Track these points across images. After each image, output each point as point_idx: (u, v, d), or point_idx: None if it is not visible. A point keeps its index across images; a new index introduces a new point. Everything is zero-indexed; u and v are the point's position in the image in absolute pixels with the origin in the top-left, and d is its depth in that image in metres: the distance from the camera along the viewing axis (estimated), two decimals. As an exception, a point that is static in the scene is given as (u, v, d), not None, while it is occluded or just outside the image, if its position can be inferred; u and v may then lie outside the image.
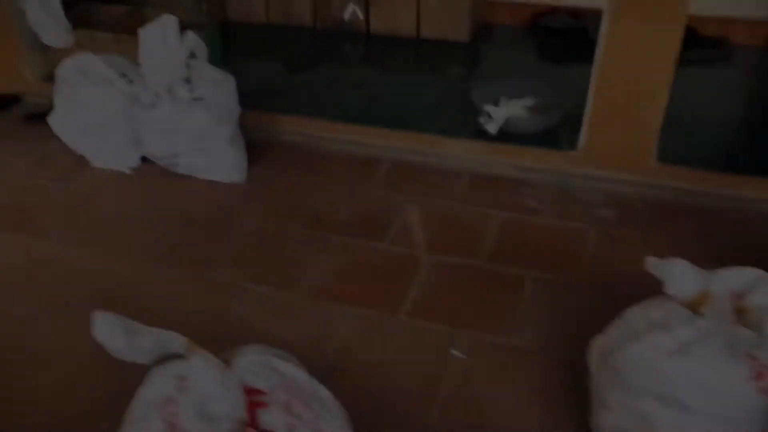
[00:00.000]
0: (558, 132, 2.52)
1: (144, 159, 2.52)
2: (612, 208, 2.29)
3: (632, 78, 2.19)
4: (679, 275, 1.16)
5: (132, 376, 1.14)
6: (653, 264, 1.19)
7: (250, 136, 2.60)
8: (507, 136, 2.53)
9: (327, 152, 2.65)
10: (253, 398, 1.00)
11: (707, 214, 2.23)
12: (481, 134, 2.53)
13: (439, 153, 2.56)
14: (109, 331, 0.97)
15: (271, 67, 3.33)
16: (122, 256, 2.08)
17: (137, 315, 1.12)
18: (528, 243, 2.12)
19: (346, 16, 3.61)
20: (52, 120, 2.50)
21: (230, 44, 3.60)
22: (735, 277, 1.31)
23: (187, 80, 2.35)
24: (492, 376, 1.64)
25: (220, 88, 2.40)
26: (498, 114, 2.46)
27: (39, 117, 2.63)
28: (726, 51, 3.32)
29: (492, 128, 2.47)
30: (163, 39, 2.22)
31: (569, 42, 3.35)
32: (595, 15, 2.23)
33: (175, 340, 1.07)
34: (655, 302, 1.31)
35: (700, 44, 3.30)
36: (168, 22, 2.22)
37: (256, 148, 2.60)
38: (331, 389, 1.21)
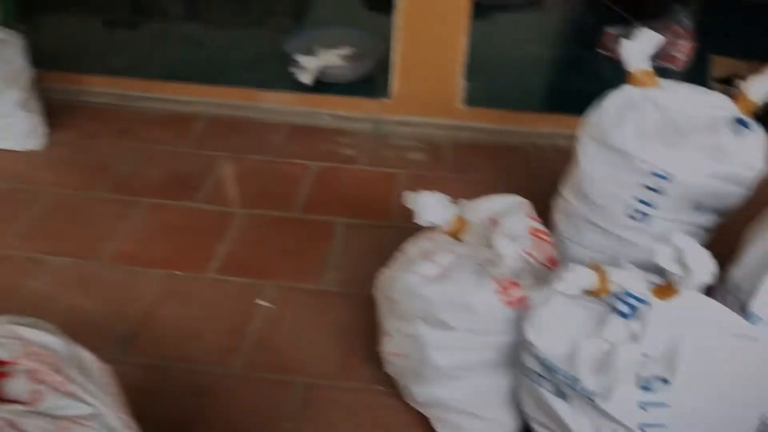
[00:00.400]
0: (373, 80, 2.55)
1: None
2: (423, 152, 2.38)
3: (430, 26, 2.27)
4: (430, 206, 1.22)
5: None
6: (408, 198, 1.25)
7: (52, 99, 2.42)
8: (324, 86, 2.53)
9: (140, 112, 2.52)
10: (-5, 370, 0.96)
11: (510, 151, 2.38)
12: (299, 86, 2.52)
13: (256, 107, 2.53)
14: None
15: (86, 23, 3.10)
16: None
17: None
18: (342, 191, 2.17)
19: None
20: None
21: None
22: (494, 204, 1.41)
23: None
24: (298, 321, 1.68)
25: (4, 48, 2.20)
26: (310, 64, 2.45)
27: None
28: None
29: (306, 78, 2.47)
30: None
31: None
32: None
33: None
34: (426, 234, 1.39)
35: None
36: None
37: (60, 112, 2.43)
38: (133, 353, 1.17)
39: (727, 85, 2.53)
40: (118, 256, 1.87)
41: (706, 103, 1.54)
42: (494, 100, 2.49)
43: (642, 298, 1.10)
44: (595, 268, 1.11)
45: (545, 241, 1.40)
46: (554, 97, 2.67)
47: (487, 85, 2.58)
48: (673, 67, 2.76)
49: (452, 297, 1.24)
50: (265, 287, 1.77)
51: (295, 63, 2.48)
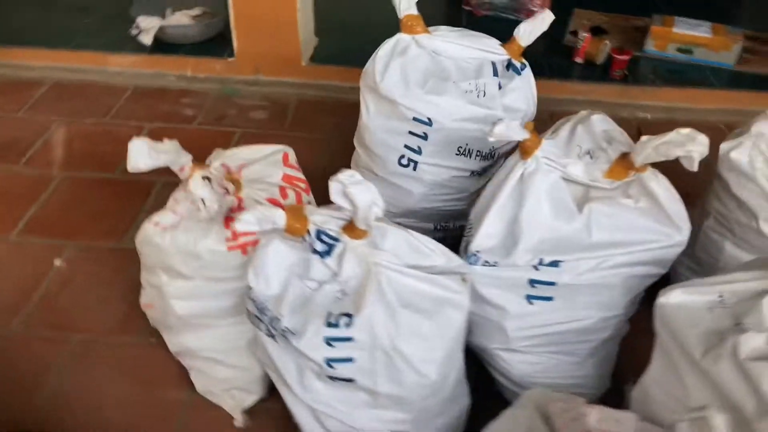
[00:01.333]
0: (222, 40, 2.52)
1: None
2: (267, 111, 2.37)
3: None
4: (140, 152, 1.20)
5: None
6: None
7: None
8: (170, 47, 2.50)
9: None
10: None
11: (348, 107, 2.37)
12: (146, 48, 2.48)
13: (103, 70, 2.49)
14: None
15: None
16: None
17: None
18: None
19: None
20: None
21: None
22: (254, 153, 1.42)
23: None
24: (91, 280, 1.68)
25: None
26: (148, 24, 2.41)
27: None
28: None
29: (145, 40, 2.43)
30: None
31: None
32: None
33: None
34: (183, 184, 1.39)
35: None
36: None
37: None
38: None
39: (575, 36, 2.55)
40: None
41: (478, 48, 1.55)
42: (343, 58, 2.46)
43: (335, 236, 1.11)
44: (292, 208, 1.12)
45: (299, 189, 1.41)
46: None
47: (337, 42, 2.56)
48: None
49: (182, 245, 1.25)
50: (67, 248, 1.76)
51: (135, 24, 2.44)
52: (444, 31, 1.58)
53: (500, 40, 1.57)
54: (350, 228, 1.10)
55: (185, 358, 1.40)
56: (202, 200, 1.15)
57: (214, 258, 1.26)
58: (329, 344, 1.08)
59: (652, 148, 1.12)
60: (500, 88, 1.53)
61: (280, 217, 1.10)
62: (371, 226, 1.08)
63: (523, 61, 1.58)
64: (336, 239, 1.12)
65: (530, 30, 1.53)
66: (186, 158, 1.27)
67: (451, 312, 1.14)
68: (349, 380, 1.11)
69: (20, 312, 1.59)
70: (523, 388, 1.35)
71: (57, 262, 1.72)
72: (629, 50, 2.39)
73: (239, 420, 1.37)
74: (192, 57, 2.48)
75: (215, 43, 2.53)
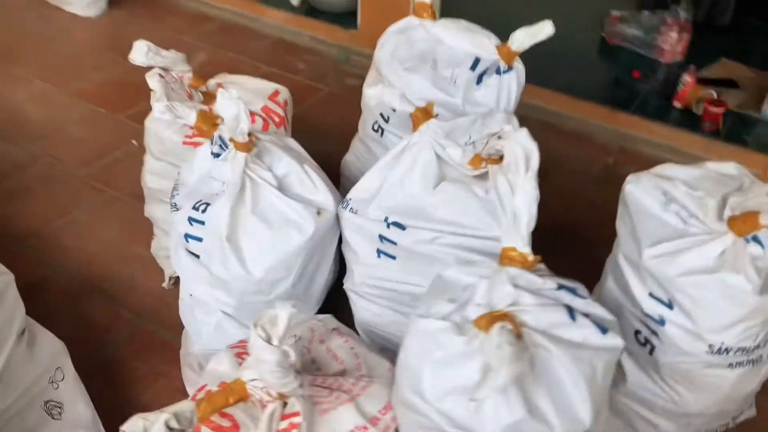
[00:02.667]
0: (353, 12, 2.85)
1: None
2: (360, 79, 2.65)
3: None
4: (137, 50, 1.56)
5: None
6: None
7: None
8: (315, 12, 2.91)
9: (179, 8, 3.14)
10: None
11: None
12: (293, 8, 2.92)
13: (258, 19, 2.99)
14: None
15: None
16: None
17: None
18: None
19: None
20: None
21: None
22: (255, 84, 1.73)
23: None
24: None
25: None
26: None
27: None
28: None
29: (294, 1, 2.87)
30: None
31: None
32: None
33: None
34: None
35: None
36: None
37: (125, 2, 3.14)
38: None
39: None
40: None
41: (472, 43, 1.66)
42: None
43: (226, 143, 1.37)
44: (205, 114, 1.40)
45: (272, 120, 1.68)
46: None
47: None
48: (659, 59, 2.66)
49: (155, 131, 1.61)
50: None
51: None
52: (449, 21, 1.71)
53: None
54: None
55: (152, 223, 1.76)
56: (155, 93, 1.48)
57: (173, 147, 1.59)
58: (190, 222, 1.36)
59: (492, 144, 1.19)
60: (478, 82, 1.63)
61: (191, 117, 1.39)
62: (244, 139, 1.32)
63: (513, 65, 1.65)
64: (226, 146, 1.37)
65: (524, 38, 1.60)
66: (186, 68, 1.63)
67: (293, 232, 1.34)
68: (197, 256, 1.37)
69: (89, 165, 2.11)
70: (365, 334, 1.49)
71: (134, 142, 2.20)
72: (725, 103, 2.21)
73: (166, 283, 1.70)
74: (327, 23, 2.85)
75: (351, 15, 2.87)
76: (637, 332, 1.26)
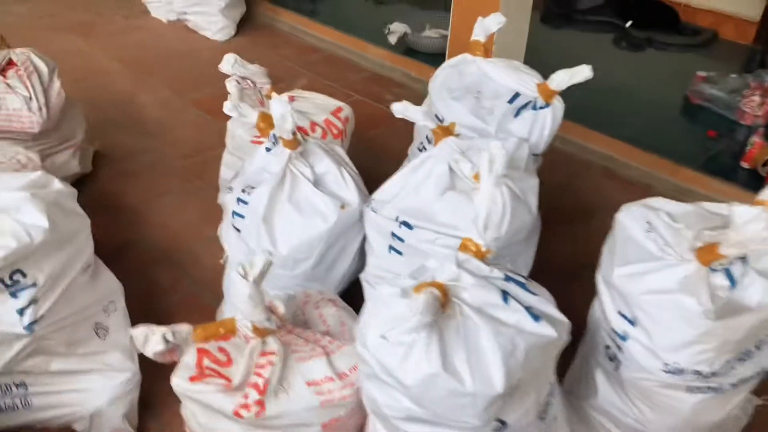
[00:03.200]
0: (443, 54, 3.09)
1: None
2: (441, 114, 2.87)
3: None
4: (225, 61, 1.87)
5: None
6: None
7: (254, 18, 3.61)
8: (411, 51, 3.18)
9: (294, 40, 3.54)
10: None
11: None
12: (393, 48, 3.21)
13: (359, 53, 3.32)
14: None
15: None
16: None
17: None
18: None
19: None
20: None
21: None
22: (324, 101, 2.00)
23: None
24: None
25: None
26: (396, 28, 3.13)
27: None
28: (701, 41, 3.45)
29: (391, 39, 3.16)
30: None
31: None
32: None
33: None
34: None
35: (678, 29, 3.51)
36: None
37: (252, 26, 3.60)
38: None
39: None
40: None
41: (515, 79, 1.83)
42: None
43: (276, 141, 1.62)
44: (265, 115, 1.66)
45: (330, 132, 1.93)
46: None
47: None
48: (739, 121, 2.65)
49: (231, 128, 1.91)
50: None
51: (388, 27, 3.19)
52: (500, 60, 1.89)
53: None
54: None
55: (223, 209, 2.05)
56: (231, 95, 1.78)
57: (242, 144, 1.89)
58: (238, 202, 1.62)
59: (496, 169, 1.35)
60: (516, 115, 1.79)
61: (252, 117, 1.67)
62: (291, 137, 1.56)
63: (551, 102, 1.79)
64: (276, 143, 1.63)
65: (563, 78, 1.74)
66: (266, 80, 1.93)
67: (318, 220, 1.56)
68: (239, 230, 1.62)
69: (187, 159, 2.47)
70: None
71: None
72: (788, 166, 2.18)
73: (223, 259, 1.97)
74: (419, 62, 3.11)
75: (442, 56, 3.11)
76: (607, 347, 1.34)
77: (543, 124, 1.79)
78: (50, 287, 1.31)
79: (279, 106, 1.53)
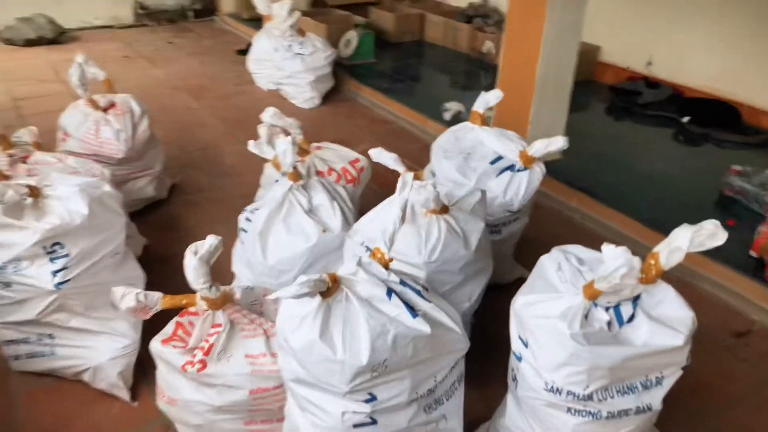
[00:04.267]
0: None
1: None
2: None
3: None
4: (267, 114, 2.28)
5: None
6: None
7: (343, 96, 4.15)
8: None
9: (372, 114, 3.99)
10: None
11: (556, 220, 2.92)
12: (447, 122, 3.56)
13: (420, 127, 3.69)
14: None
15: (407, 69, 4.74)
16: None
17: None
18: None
19: (484, 49, 4.77)
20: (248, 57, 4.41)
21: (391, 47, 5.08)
22: (342, 152, 2.36)
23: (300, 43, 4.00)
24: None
25: (321, 58, 4.00)
26: (451, 107, 3.47)
27: (243, 52, 4.60)
28: (759, 140, 3.47)
29: (446, 116, 3.50)
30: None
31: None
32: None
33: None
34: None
35: (738, 128, 3.57)
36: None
37: (337, 98, 4.11)
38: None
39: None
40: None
41: (502, 145, 2.09)
42: (564, 174, 3.02)
43: (285, 176, 1.98)
44: (295, 173, 2.03)
45: (345, 178, 2.27)
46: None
47: (573, 160, 3.12)
48: (766, 214, 2.68)
49: (265, 166, 2.30)
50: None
51: (444, 106, 3.54)
52: (495, 129, 2.16)
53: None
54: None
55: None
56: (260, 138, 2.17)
57: (269, 180, 2.26)
58: (246, 219, 1.97)
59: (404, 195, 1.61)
60: (499, 175, 2.05)
61: (269, 155, 2.04)
62: (289, 170, 1.91)
63: (530, 167, 2.03)
64: (284, 176, 1.99)
65: (540, 146, 2.00)
66: (298, 131, 2.32)
67: (301, 240, 1.87)
68: (242, 243, 1.97)
69: (244, 198, 2.89)
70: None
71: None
72: (787, 256, 2.21)
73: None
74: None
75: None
76: (512, 369, 1.50)
77: (519, 185, 2.03)
78: (80, 260, 1.70)
79: (281, 144, 1.89)
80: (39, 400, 1.80)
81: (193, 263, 1.40)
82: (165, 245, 2.47)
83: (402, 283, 1.37)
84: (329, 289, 1.27)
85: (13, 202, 1.64)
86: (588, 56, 4.40)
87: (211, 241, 1.42)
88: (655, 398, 1.41)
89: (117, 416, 1.75)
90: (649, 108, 3.85)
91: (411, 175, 1.49)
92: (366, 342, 1.24)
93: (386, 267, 1.39)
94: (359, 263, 1.35)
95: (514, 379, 1.50)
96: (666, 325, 1.37)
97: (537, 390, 1.40)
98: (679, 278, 2.45)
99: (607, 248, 1.32)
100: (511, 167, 2.05)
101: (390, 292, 1.32)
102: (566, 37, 2.92)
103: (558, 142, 1.96)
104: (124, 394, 1.79)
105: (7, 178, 1.87)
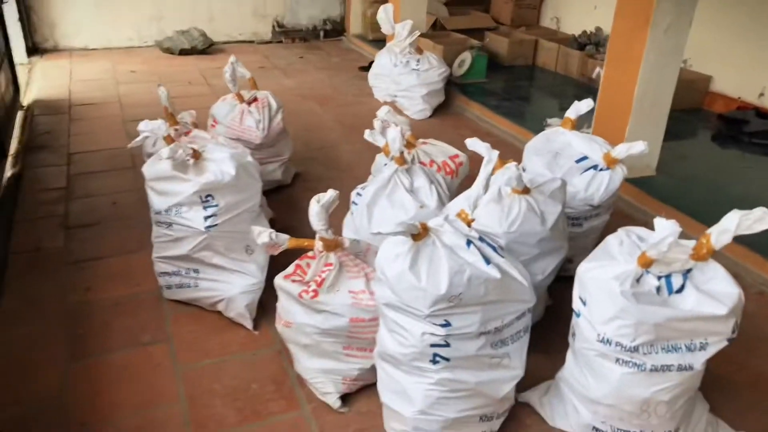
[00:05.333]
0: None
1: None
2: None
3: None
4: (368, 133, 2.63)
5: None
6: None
7: (452, 110, 4.50)
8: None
9: (471, 123, 4.30)
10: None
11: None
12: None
13: (521, 139, 3.94)
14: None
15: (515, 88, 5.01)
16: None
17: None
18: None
19: (594, 75, 4.95)
20: (370, 74, 4.86)
21: (503, 69, 5.36)
22: (443, 147, 2.69)
23: (417, 60, 4.40)
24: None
25: (436, 74, 4.37)
26: (553, 122, 3.70)
27: (365, 68, 5.06)
28: None
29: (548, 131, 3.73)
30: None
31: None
32: None
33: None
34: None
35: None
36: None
37: (448, 114, 4.46)
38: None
39: None
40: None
41: (588, 146, 2.33)
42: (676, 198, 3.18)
43: (390, 161, 2.32)
44: (400, 158, 2.38)
45: (444, 170, 2.58)
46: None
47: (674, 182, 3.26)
48: None
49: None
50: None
51: (546, 121, 3.77)
52: (583, 133, 2.40)
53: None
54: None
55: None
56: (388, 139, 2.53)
57: (379, 166, 2.62)
58: (357, 194, 2.33)
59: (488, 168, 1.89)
60: (582, 173, 2.29)
61: (382, 141, 2.40)
62: (397, 154, 2.25)
63: (612, 167, 2.26)
64: (391, 160, 2.33)
65: (622, 149, 2.23)
66: (408, 129, 2.67)
67: (401, 213, 2.19)
68: (352, 213, 2.32)
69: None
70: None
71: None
72: None
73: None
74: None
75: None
76: (572, 327, 1.74)
77: (600, 182, 2.26)
78: (225, 211, 2.13)
79: (392, 132, 2.24)
80: (183, 322, 2.23)
81: (315, 209, 1.76)
82: (286, 219, 2.88)
83: (481, 239, 1.66)
84: (420, 234, 1.59)
85: (181, 159, 2.10)
86: (698, 85, 4.49)
87: (330, 193, 1.78)
88: (697, 360, 1.60)
89: (242, 340, 2.15)
90: (756, 137, 3.88)
91: (496, 153, 1.78)
92: (445, 276, 1.54)
93: (468, 225, 1.68)
94: (446, 218, 1.66)
95: (573, 334, 1.74)
96: (712, 296, 1.57)
97: (590, 341, 1.63)
98: (761, 291, 2.55)
99: (659, 220, 1.54)
100: (594, 166, 2.28)
101: (469, 242, 1.61)
102: (666, 62, 3.09)
103: (638, 146, 2.18)
104: (249, 323, 2.18)
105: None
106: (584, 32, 5.39)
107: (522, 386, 1.85)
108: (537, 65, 5.57)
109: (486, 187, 1.73)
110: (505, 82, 5.09)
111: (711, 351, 1.61)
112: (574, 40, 5.34)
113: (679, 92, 3.28)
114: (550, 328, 2.14)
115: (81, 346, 2.11)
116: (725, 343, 1.61)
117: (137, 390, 1.93)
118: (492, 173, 1.78)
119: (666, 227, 1.52)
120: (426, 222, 1.64)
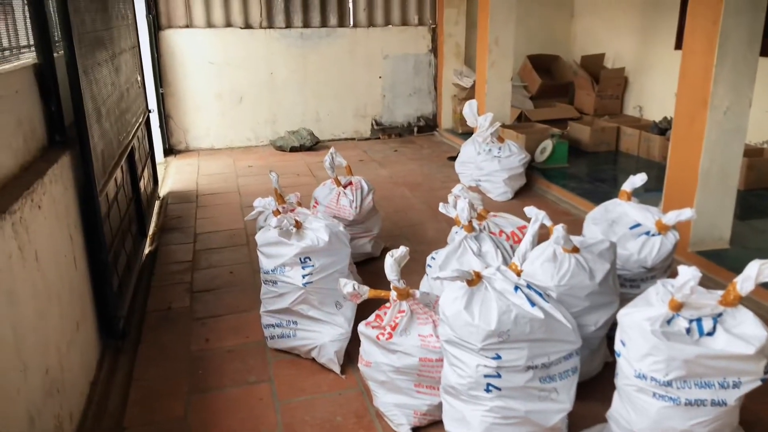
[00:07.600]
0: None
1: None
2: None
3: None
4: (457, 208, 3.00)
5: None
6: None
7: (534, 192, 4.82)
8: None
9: (551, 203, 4.57)
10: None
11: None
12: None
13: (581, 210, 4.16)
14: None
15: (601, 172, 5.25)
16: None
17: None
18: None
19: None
20: (456, 162, 5.31)
21: (585, 155, 5.62)
22: (513, 220, 3.02)
23: (499, 148, 4.80)
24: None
25: (514, 160, 4.74)
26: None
27: (453, 158, 5.51)
28: None
29: (621, 208, 3.95)
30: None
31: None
32: None
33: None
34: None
35: None
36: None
37: (529, 196, 4.78)
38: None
39: None
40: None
41: (641, 214, 2.58)
42: (732, 260, 3.32)
43: (460, 229, 2.67)
44: (469, 225, 2.73)
45: (512, 238, 2.90)
46: None
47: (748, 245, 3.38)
48: None
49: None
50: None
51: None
52: (638, 204, 2.66)
53: None
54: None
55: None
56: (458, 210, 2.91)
57: (454, 236, 2.97)
58: (431, 259, 2.68)
59: (535, 228, 2.18)
60: (636, 238, 2.54)
61: (453, 214, 2.77)
62: (468, 223, 2.60)
63: (664, 233, 2.49)
64: (461, 228, 2.68)
65: (672, 216, 2.47)
66: (480, 203, 3.04)
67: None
68: (427, 274, 2.67)
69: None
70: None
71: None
72: None
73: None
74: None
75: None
76: (616, 367, 1.96)
77: (653, 246, 2.49)
78: (320, 270, 2.54)
79: (461, 203, 2.60)
80: (283, 366, 2.62)
81: (389, 261, 2.13)
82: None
83: (528, 286, 1.95)
84: (473, 280, 1.91)
85: (286, 228, 2.55)
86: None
87: (402, 249, 2.15)
88: (730, 396, 1.77)
89: (331, 382, 2.50)
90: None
91: (542, 213, 2.09)
92: (495, 315, 1.84)
93: (518, 275, 1.99)
94: (497, 268, 1.97)
95: (616, 374, 1.95)
96: (740, 338, 1.76)
97: (629, 377, 1.85)
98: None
99: (682, 267, 1.78)
100: (647, 232, 2.52)
101: (516, 288, 1.91)
102: (728, 141, 3.30)
103: (686, 213, 2.40)
104: (337, 368, 2.53)
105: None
106: (665, 118, 5.60)
107: (578, 428, 2.05)
108: (620, 150, 5.80)
109: (533, 243, 2.03)
110: (587, 166, 5.35)
111: (744, 389, 1.77)
112: (655, 126, 5.56)
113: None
114: (607, 382, 2.32)
115: (201, 383, 2.53)
116: (759, 383, 1.77)
117: (244, 418, 2.31)
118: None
119: (687, 273, 1.76)
120: (479, 270, 1.96)
